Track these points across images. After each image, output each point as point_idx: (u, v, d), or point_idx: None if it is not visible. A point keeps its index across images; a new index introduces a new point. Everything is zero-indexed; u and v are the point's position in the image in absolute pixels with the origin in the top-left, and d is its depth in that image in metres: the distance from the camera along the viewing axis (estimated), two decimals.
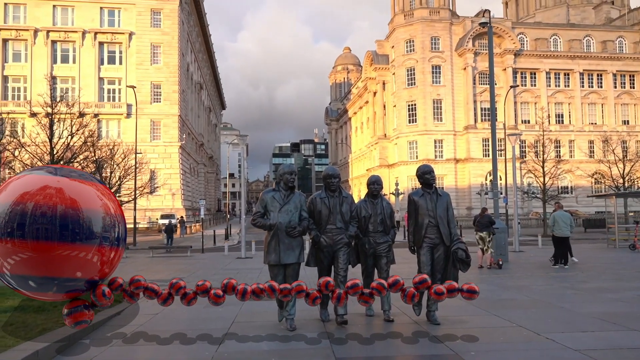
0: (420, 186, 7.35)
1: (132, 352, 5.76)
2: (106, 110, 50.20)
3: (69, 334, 5.89)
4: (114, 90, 51.51)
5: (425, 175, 7.23)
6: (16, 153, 23.94)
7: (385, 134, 70.53)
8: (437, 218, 7.04)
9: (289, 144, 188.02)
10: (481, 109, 62.67)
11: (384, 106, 71.05)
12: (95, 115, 47.79)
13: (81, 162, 25.10)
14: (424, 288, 4.70)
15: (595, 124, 65.12)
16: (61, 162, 23.48)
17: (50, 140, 23.74)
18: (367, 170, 73.21)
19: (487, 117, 61.01)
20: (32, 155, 23.50)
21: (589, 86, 65.59)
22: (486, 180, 59.85)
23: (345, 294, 4.68)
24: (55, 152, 23.36)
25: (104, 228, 2.44)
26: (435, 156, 62.13)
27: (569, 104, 65.01)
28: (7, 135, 26.27)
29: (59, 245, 2.28)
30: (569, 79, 65.24)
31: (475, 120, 62.43)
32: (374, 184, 7.44)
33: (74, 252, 2.32)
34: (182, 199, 51.56)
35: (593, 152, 61.50)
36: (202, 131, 71.92)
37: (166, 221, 38.70)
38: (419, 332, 6.44)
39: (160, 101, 51.21)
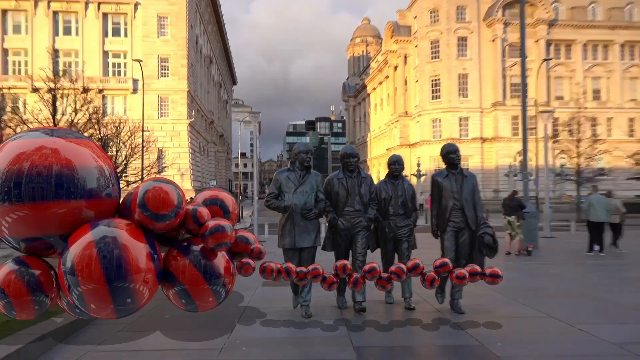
0: (445, 167, 7.30)
1: (139, 338, 5.86)
2: (111, 85, 50.52)
3: (70, 321, 6.00)
4: (119, 64, 51.75)
5: (450, 154, 7.17)
6: (18, 130, 24.27)
7: (406, 112, 69.97)
8: (462, 200, 7.00)
9: (303, 122, 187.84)
10: (511, 84, 61.71)
11: (406, 81, 70.35)
12: (100, 91, 48.11)
13: None
14: (445, 272, 4.68)
15: (637, 100, 63.71)
16: None
17: (53, 117, 23.99)
18: (387, 150, 72.89)
19: (517, 93, 60.06)
20: None
21: (630, 59, 63.98)
22: (515, 161, 59.17)
23: (363, 279, 4.68)
24: None
25: (98, 186, 2.65)
26: (460, 135, 61.53)
27: (607, 78, 63.56)
28: (8, 112, 26.62)
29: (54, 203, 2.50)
30: (607, 51, 63.71)
31: (504, 97, 61.54)
32: (395, 164, 7.42)
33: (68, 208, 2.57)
34: (192, 180, 52.01)
35: (633, 131, 60.32)
36: (212, 108, 72.12)
37: None
38: (442, 320, 6.46)
39: (167, 76, 51.36)
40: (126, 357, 5.24)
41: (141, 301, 2.72)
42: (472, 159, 60.96)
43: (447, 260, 4.72)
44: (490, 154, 61.60)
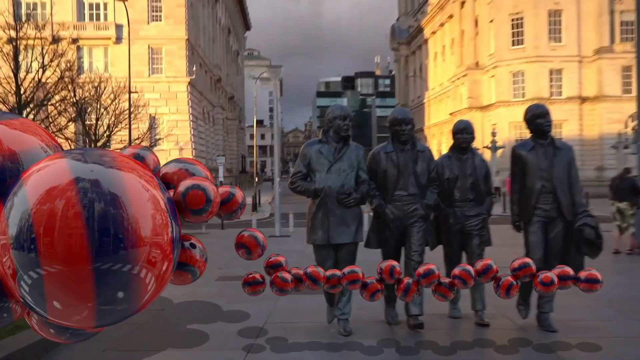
0: (530, 135, 7.19)
1: (131, 358, 6.00)
2: (88, 33, 51.23)
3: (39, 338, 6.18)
4: (97, 5, 52.40)
5: (538, 119, 7.06)
6: None
7: (477, 63, 68.95)
8: (553, 181, 6.91)
9: (339, 79, 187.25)
10: (621, 23, 60.09)
11: (476, 22, 69.24)
12: (74, 41, 48.79)
13: (57, 104, 25.82)
14: (526, 276, 4.64)
15: None
16: (31, 105, 24.26)
17: (16, 75, 24.44)
18: (450, 114, 72.10)
19: (629, 35, 58.42)
20: None
21: None
22: (627, 127, 57.81)
23: (416, 285, 4.68)
24: (22, 91, 24.08)
25: None
26: (551, 93, 60.37)
27: None
28: None
29: None
30: None
31: (612, 41, 59.97)
32: (463, 133, 7.36)
33: None
34: (194, 155, 52.59)
35: None
36: (219, 61, 72.50)
37: None
38: (524, 341, 6.42)
39: (160, 19, 51.77)
40: None
41: (140, 297, 2.30)
42: (567, 125, 59.84)
43: (528, 260, 4.67)
44: (592, 119, 60.33)
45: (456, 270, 4.53)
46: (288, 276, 4.28)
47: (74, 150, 2.47)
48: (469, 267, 4.58)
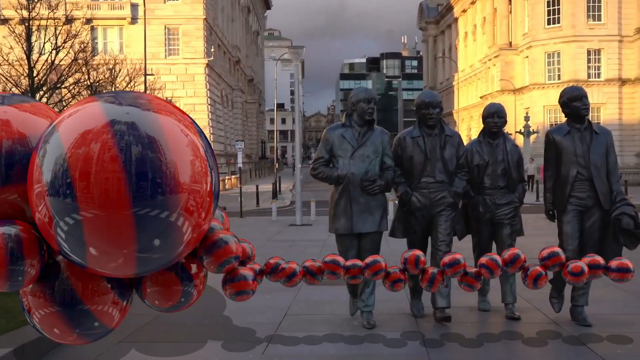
0: (566, 120, 7.13)
1: (145, 353, 6.08)
2: (103, 13, 51.50)
3: None
4: None
5: (574, 102, 6.99)
6: None
7: (510, 43, 68.35)
8: (590, 168, 6.85)
9: (364, 60, 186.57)
10: None
11: None
12: (88, 21, 49.06)
13: (71, 87, 26.04)
14: (555, 265, 4.62)
15: None
16: (44, 88, 24.48)
17: (28, 57, 24.67)
18: (481, 97, 71.62)
19: None
20: (4, 79, 24.56)
21: None
22: None
23: (441, 275, 4.69)
24: (35, 73, 24.30)
25: None
26: (589, 75, 59.68)
27: None
28: None
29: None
30: None
31: None
32: (494, 117, 7.32)
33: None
34: (212, 141, 52.80)
35: None
36: (238, 42, 72.57)
37: None
38: (555, 334, 6.45)
39: None
40: None
41: (177, 246, 2.30)
42: (605, 109, 59.17)
43: (556, 249, 4.64)
44: (632, 102, 59.57)
45: (483, 259, 4.53)
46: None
47: (106, 94, 2.49)
48: (496, 256, 4.57)
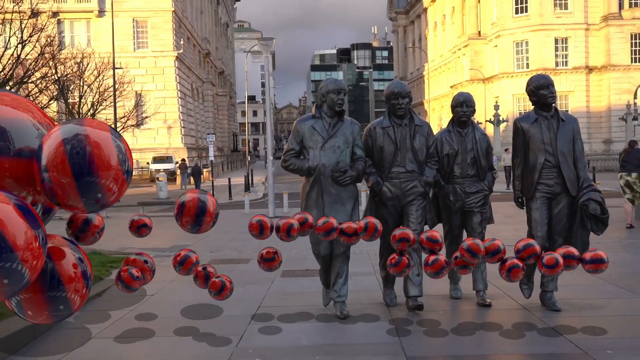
0: (533, 108, 7.19)
1: (122, 347, 6.05)
2: (69, 6, 50.82)
3: (24, 326, 6.22)
4: None
5: (541, 90, 7.05)
6: None
7: (479, 32, 68.75)
8: (557, 155, 6.92)
9: (334, 51, 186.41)
10: None
11: None
12: (55, 14, 48.42)
13: (38, 81, 25.71)
14: (530, 256, 4.69)
15: None
16: (10, 83, 24.16)
17: None
18: (451, 87, 72.03)
19: (639, 1, 58.20)
20: None
21: None
22: (636, 98, 57.81)
23: (408, 260, 4.86)
24: (1, 68, 23.98)
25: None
26: (557, 63, 60.29)
27: None
28: None
29: None
30: None
31: (621, 6, 59.74)
32: (463, 106, 7.34)
33: None
34: (182, 134, 52.51)
35: None
36: (208, 35, 72.09)
37: (161, 166, 39.61)
38: (528, 320, 6.50)
39: None
40: None
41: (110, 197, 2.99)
42: (573, 96, 59.83)
43: (531, 241, 4.70)
44: (599, 90, 60.31)
45: (468, 242, 4.61)
46: (138, 273, 4.43)
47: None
48: (479, 242, 4.67)
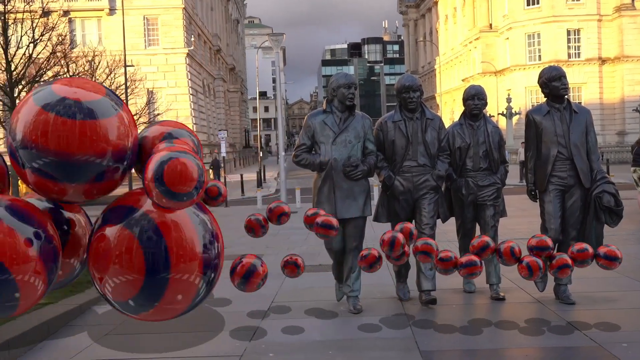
0: (545, 100, 7.16)
1: (132, 343, 6.08)
2: (80, 4, 50.98)
3: (40, 322, 6.27)
4: None
5: (553, 82, 7.01)
6: None
7: (490, 25, 68.41)
8: (570, 147, 6.88)
9: (345, 46, 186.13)
10: None
11: None
12: (66, 13, 48.62)
13: (50, 80, 25.79)
14: (542, 249, 4.65)
15: None
16: (23, 82, 24.29)
17: (6, 51, 24.44)
18: (463, 80, 71.74)
19: None
20: None
21: None
22: None
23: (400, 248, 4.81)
24: (13, 67, 24.08)
25: None
26: (569, 55, 59.93)
27: None
28: None
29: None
30: None
31: None
32: (474, 99, 7.32)
33: None
34: (194, 131, 52.45)
35: None
36: (218, 31, 72.15)
37: None
38: (542, 313, 6.49)
39: None
40: None
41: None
42: (586, 88, 59.47)
43: (545, 239, 4.63)
44: (612, 81, 59.92)
45: (479, 240, 4.57)
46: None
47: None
48: (488, 239, 4.62)
